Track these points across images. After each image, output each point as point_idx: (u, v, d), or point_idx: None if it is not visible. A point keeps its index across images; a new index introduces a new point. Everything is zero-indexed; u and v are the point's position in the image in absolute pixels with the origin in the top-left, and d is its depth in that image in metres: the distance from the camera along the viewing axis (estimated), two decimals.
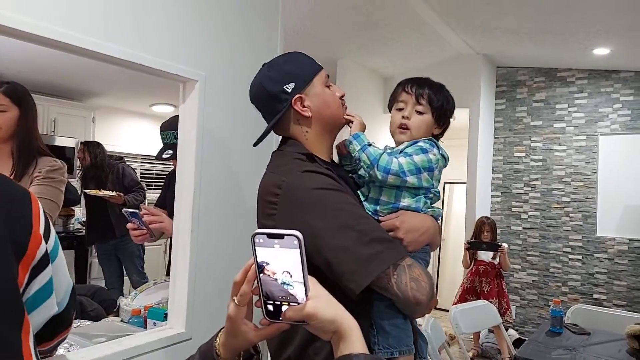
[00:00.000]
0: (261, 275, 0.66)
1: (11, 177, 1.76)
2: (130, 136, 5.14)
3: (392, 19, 3.48)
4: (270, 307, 0.68)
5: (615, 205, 4.01)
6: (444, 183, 5.98)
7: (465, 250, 3.96)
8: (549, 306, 4.03)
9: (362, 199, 1.14)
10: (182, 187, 1.68)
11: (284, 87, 1.06)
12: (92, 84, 4.28)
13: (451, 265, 5.62)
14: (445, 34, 3.73)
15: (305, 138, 1.11)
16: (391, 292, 0.93)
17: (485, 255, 3.91)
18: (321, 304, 0.68)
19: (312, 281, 0.70)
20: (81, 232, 4.41)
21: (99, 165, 3.83)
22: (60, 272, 0.84)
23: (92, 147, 3.88)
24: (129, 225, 1.86)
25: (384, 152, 1.09)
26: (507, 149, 4.54)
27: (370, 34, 3.77)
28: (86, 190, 3.70)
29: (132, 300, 2.06)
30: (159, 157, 2.00)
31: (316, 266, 0.92)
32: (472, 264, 3.97)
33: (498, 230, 4.47)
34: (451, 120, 1.19)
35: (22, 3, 1.20)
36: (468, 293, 3.89)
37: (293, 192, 0.98)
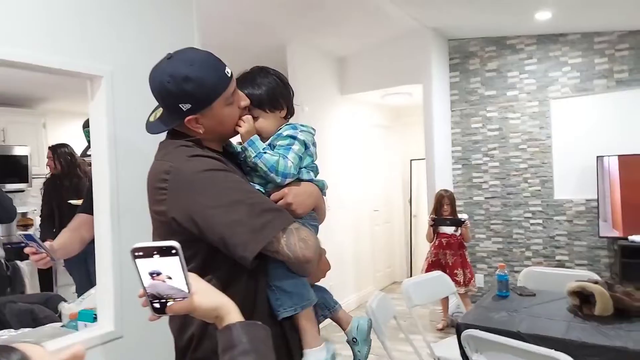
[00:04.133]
0: (150, 281, 0.78)
1: None
2: (80, 139, 5.04)
3: None
4: (157, 305, 0.80)
5: (571, 168, 4.07)
6: (410, 160, 6.01)
7: (430, 226, 4.01)
8: (516, 272, 4.13)
9: (252, 184, 1.18)
10: (99, 188, 1.66)
11: (180, 105, 1.05)
12: (40, 89, 4.19)
13: (423, 241, 5.67)
14: (390, 10, 3.71)
15: (196, 135, 1.12)
16: (282, 254, 1.02)
17: (447, 228, 3.96)
18: (201, 297, 0.81)
19: (194, 278, 0.83)
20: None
21: (71, 171, 3.40)
22: None
23: (60, 152, 3.44)
24: (27, 250, 1.74)
25: (279, 157, 1.14)
26: (464, 121, 4.57)
27: (316, 14, 3.73)
28: (70, 201, 3.24)
29: (77, 306, 2.05)
30: (83, 154, 1.97)
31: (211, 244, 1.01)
32: (435, 237, 4.02)
33: (461, 202, 4.54)
34: (285, 90, 1.23)
35: None
36: (433, 266, 3.94)
37: (182, 176, 1.03)
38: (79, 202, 3.02)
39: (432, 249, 4.05)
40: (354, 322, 1.31)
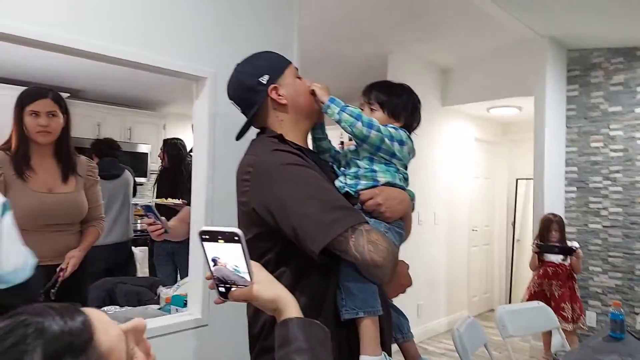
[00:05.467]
0: (214, 266, 0.80)
1: (60, 177, 1.99)
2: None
3: (442, 7, 3.34)
4: (222, 289, 0.82)
5: None
6: (517, 179, 5.59)
7: (534, 253, 3.66)
8: (636, 314, 3.60)
9: (341, 180, 1.21)
10: (197, 179, 1.77)
11: (259, 79, 1.16)
12: (163, 93, 4.65)
13: (526, 268, 5.21)
14: (501, 18, 3.49)
15: (280, 126, 1.19)
16: (350, 254, 1.00)
17: (555, 257, 3.58)
18: (262, 287, 0.82)
19: (257, 267, 0.84)
20: None
21: (174, 166, 3.46)
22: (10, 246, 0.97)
23: (169, 145, 3.52)
24: (145, 220, 1.96)
25: (362, 110, 1.21)
26: (582, 139, 4.12)
27: (422, 25, 3.65)
28: (155, 200, 3.42)
29: (173, 291, 2.21)
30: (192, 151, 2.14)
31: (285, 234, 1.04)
32: (540, 265, 3.65)
33: (573, 229, 4.09)
34: (413, 115, 1.28)
35: (44, 14, 1.35)
36: (536, 297, 3.57)
37: (263, 168, 1.08)
38: (170, 201, 3.11)
39: (536, 278, 3.67)
40: None
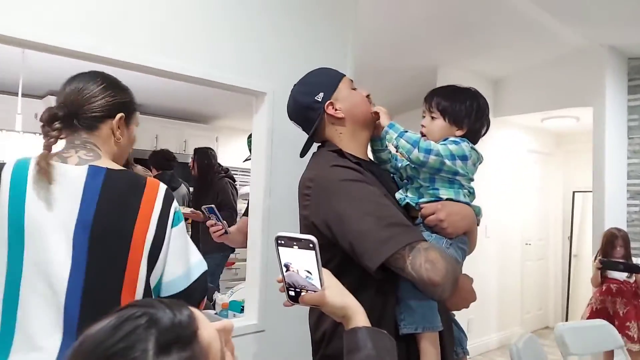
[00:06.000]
0: (287, 271, 0.84)
1: None
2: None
3: (491, 19, 3.30)
4: (292, 293, 0.85)
5: None
6: (573, 192, 5.36)
7: (597, 269, 3.49)
8: None
9: (403, 195, 1.20)
10: (255, 191, 1.84)
11: (315, 97, 1.20)
12: (215, 108, 4.83)
13: (584, 285, 4.97)
14: (556, 28, 3.41)
15: (340, 139, 1.22)
16: (406, 272, 1.00)
17: (619, 274, 3.40)
18: (332, 294, 0.84)
19: (327, 274, 0.86)
20: None
21: (202, 176, 3.48)
22: (173, 256, 1.05)
23: (199, 154, 3.54)
24: (208, 222, 2.05)
25: (420, 137, 1.17)
26: None
27: (470, 37, 3.61)
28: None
29: (228, 297, 2.29)
30: (245, 160, 2.26)
31: (343, 249, 1.06)
32: (602, 282, 3.48)
33: (637, 244, 3.87)
34: (478, 121, 1.24)
35: (127, 37, 1.48)
36: (598, 315, 3.40)
37: (322, 184, 1.11)
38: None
39: (598, 294, 3.49)
40: None
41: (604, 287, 3.46)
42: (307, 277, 0.82)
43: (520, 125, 4.86)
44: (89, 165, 1.02)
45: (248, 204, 2.45)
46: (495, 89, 4.56)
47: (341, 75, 1.26)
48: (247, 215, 2.29)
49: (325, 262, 1.10)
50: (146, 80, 2.54)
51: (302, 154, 1.28)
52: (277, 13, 1.86)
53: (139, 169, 2.21)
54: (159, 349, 0.47)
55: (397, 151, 1.21)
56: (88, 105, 1.06)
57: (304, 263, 0.81)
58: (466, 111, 1.21)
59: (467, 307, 1.19)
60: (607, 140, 3.76)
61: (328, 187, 1.09)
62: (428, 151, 1.12)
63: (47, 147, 1.03)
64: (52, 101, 4.18)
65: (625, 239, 3.43)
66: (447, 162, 1.13)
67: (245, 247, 1.91)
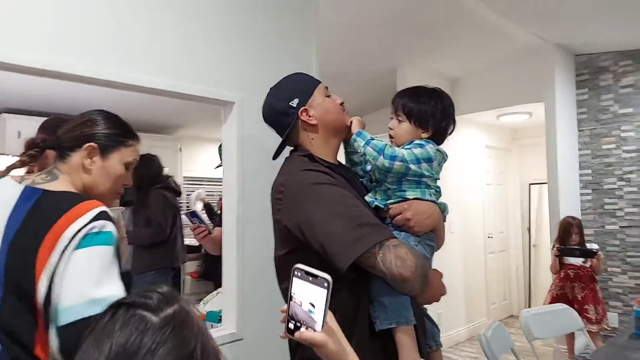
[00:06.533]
0: (291, 301, 0.82)
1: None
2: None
3: (446, 20, 3.43)
4: (291, 326, 0.83)
5: None
6: (529, 184, 5.61)
7: (555, 257, 3.67)
8: None
9: (372, 198, 1.24)
10: (228, 198, 1.84)
11: (290, 103, 1.22)
12: (178, 118, 4.76)
13: (543, 273, 5.22)
14: (507, 27, 3.57)
15: (311, 145, 1.25)
16: (378, 270, 1.03)
17: (575, 260, 3.60)
18: (331, 338, 0.81)
19: (330, 317, 0.83)
20: None
21: (142, 188, 3.02)
22: (66, 285, 0.93)
23: (144, 164, 2.78)
24: (191, 226, 2.12)
25: (386, 144, 1.19)
26: (595, 142, 4.16)
27: (429, 38, 3.74)
28: None
29: (201, 308, 2.28)
30: (217, 167, 2.27)
31: (315, 250, 1.07)
32: (560, 268, 3.67)
33: (590, 231, 4.10)
34: (444, 121, 1.27)
35: (75, 47, 1.45)
36: (558, 300, 3.57)
37: (293, 188, 1.13)
38: None
39: (557, 281, 3.68)
40: None
41: (562, 274, 3.64)
42: (309, 310, 0.80)
43: (477, 122, 5.05)
44: (26, 186, 1.05)
45: (221, 213, 2.45)
46: (453, 88, 4.71)
47: (317, 82, 1.28)
48: (220, 226, 2.30)
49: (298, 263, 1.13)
50: (101, 93, 2.49)
51: (275, 157, 1.30)
52: (243, 23, 1.87)
53: None
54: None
55: (363, 157, 1.24)
56: (64, 135, 1.12)
57: (310, 297, 0.80)
58: (431, 112, 1.23)
59: (438, 300, 1.24)
60: (559, 133, 3.97)
61: (299, 190, 1.12)
62: (393, 157, 1.15)
63: (8, 168, 1.08)
64: (5, 119, 3.96)
65: (579, 226, 3.63)
66: (412, 166, 1.16)
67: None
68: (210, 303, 2.27)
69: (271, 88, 1.30)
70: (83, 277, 0.93)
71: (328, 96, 1.28)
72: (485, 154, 5.25)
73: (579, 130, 4.24)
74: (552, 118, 3.97)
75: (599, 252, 3.49)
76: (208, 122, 4.95)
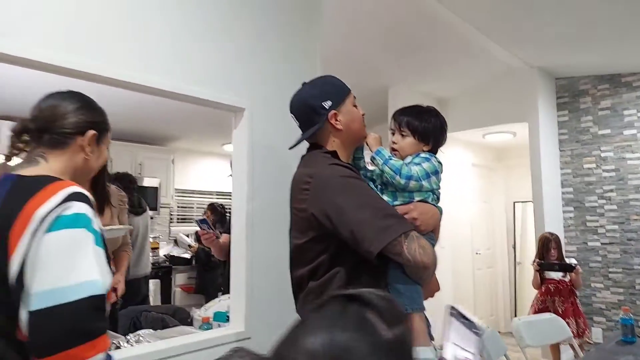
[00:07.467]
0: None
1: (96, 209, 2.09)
2: (205, 174, 5.63)
3: (436, 41, 3.60)
4: None
5: None
6: (514, 203, 5.78)
7: (536, 272, 3.79)
8: None
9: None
10: (237, 201, 1.90)
11: (322, 103, 1.31)
12: (172, 129, 4.81)
13: (528, 291, 5.32)
14: (495, 51, 3.77)
15: (332, 146, 1.35)
16: (403, 257, 1.14)
17: (555, 274, 3.71)
18: None
19: None
20: (166, 264, 4.84)
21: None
22: (42, 264, 0.89)
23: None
24: (199, 231, 2.25)
25: (402, 163, 1.33)
26: (576, 162, 4.35)
27: (421, 59, 3.90)
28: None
29: (205, 312, 2.31)
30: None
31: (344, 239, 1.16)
32: (542, 283, 3.78)
33: (573, 247, 4.25)
34: (441, 136, 1.42)
35: (90, 47, 1.51)
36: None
37: (323, 180, 1.23)
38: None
39: (539, 295, 3.77)
40: None
41: (543, 288, 3.74)
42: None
43: (464, 141, 5.22)
44: (4, 173, 1.01)
45: (230, 219, 2.52)
46: (441, 108, 4.85)
47: (349, 90, 1.37)
48: (229, 233, 2.38)
49: (321, 251, 1.22)
50: (101, 103, 2.54)
51: (292, 147, 1.38)
52: (253, 34, 1.97)
53: (113, 189, 2.21)
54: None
55: (383, 173, 1.36)
56: (60, 121, 1.06)
57: (458, 339, 0.89)
58: (432, 128, 1.39)
59: (432, 296, 1.36)
60: (542, 152, 4.14)
61: (328, 181, 1.21)
62: (409, 177, 1.30)
63: (7, 157, 1.04)
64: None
65: (557, 241, 3.75)
66: (424, 183, 1.31)
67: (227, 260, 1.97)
68: (211, 310, 2.31)
69: (306, 83, 1.38)
70: (54, 263, 0.89)
71: (355, 106, 1.38)
72: (471, 172, 5.42)
73: (561, 150, 4.44)
74: (536, 138, 4.15)
75: (577, 267, 3.61)
76: (202, 135, 5.02)
